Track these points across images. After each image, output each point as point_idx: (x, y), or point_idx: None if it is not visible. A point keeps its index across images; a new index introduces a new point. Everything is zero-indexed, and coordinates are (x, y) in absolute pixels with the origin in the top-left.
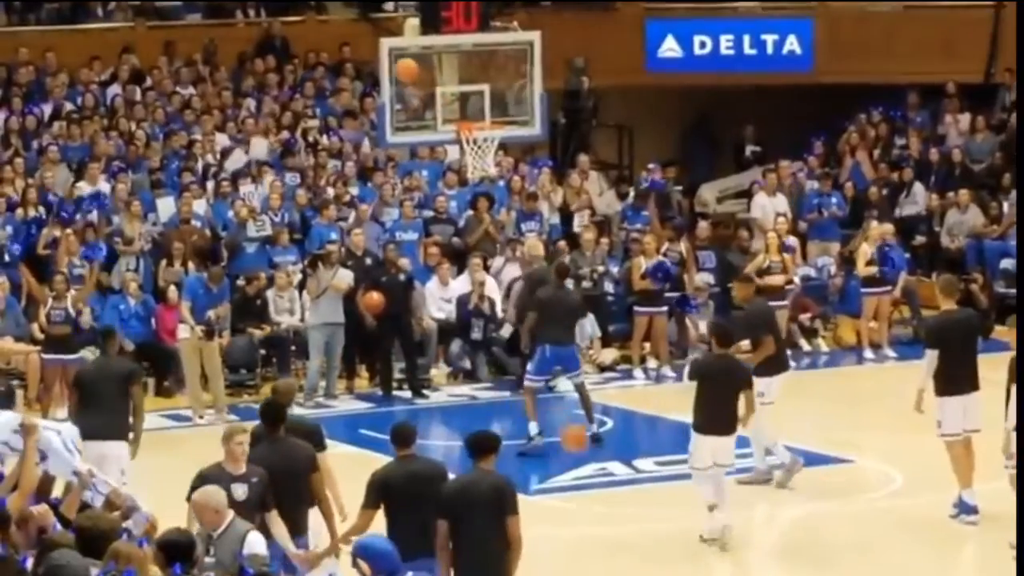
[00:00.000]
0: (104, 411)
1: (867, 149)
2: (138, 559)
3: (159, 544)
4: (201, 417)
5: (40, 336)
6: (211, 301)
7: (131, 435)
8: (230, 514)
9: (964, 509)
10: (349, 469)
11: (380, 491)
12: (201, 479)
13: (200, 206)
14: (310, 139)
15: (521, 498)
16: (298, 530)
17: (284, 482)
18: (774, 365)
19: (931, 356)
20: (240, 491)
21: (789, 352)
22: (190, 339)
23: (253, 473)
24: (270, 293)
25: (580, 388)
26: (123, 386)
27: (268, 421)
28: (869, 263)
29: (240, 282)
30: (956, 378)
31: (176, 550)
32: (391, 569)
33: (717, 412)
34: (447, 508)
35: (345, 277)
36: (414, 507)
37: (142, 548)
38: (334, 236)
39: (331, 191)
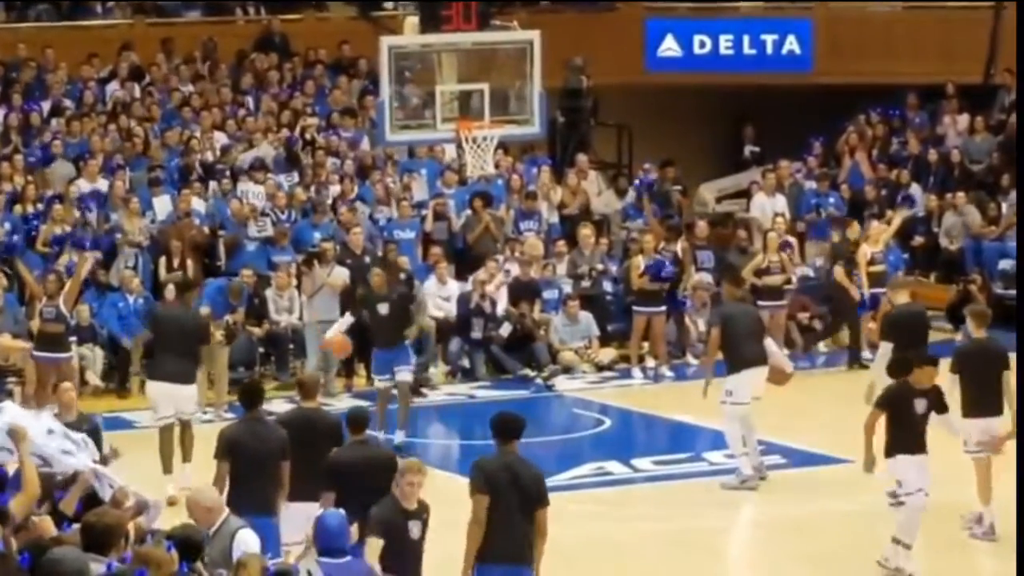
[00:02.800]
0: (176, 357)
1: (866, 150)
2: (167, 564)
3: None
4: (204, 413)
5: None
6: (228, 308)
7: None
8: (224, 512)
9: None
10: None
11: (334, 473)
12: (380, 519)
13: (199, 203)
14: (307, 137)
15: None
16: (264, 510)
17: (252, 462)
18: (738, 361)
19: (885, 348)
20: (416, 529)
21: (787, 352)
22: None
23: (424, 509)
24: (269, 292)
25: (402, 387)
26: (194, 339)
27: (244, 401)
28: (870, 263)
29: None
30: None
31: (186, 547)
32: (333, 547)
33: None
34: (491, 484)
35: (341, 275)
36: (364, 490)
37: (171, 553)
38: (317, 235)
39: (337, 188)
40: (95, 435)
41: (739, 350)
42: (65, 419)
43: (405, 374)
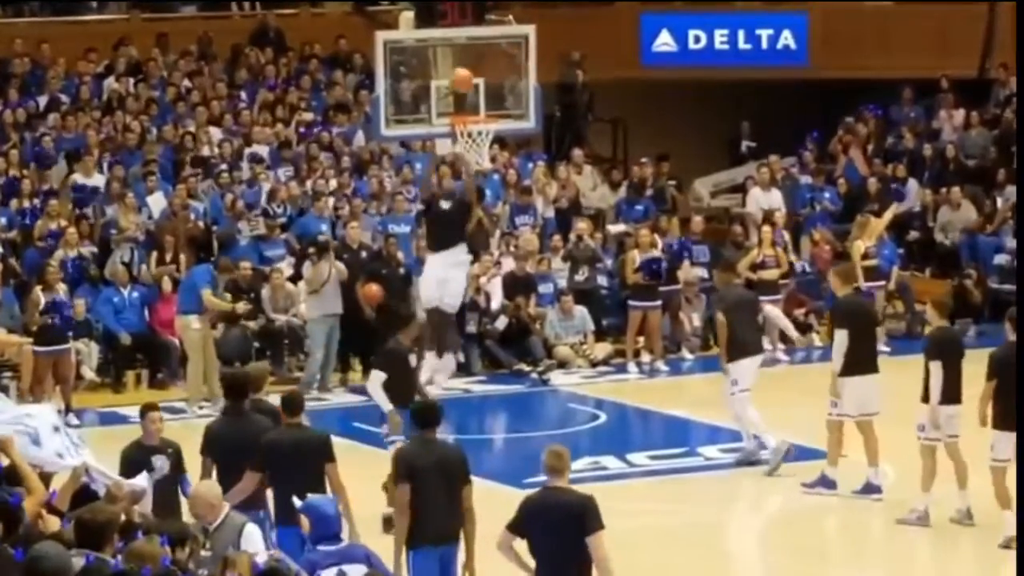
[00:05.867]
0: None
1: (860, 147)
2: (162, 556)
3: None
4: (201, 408)
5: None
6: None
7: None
8: (225, 507)
9: (824, 483)
10: (343, 462)
11: (265, 455)
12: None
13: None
14: (301, 131)
15: (513, 490)
16: (251, 503)
17: (235, 455)
18: (738, 350)
19: (842, 336)
20: None
21: (783, 347)
22: (200, 330)
23: None
24: (265, 292)
25: None
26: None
27: (231, 395)
28: (865, 257)
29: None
30: (860, 359)
31: (176, 540)
32: (328, 533)
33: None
34: (412, 471)
35: (342, 270)
36: (293, 474)
37: (164, 548)
38: (324, 227)
39: (334, 183)
40: (177, 458)
41: (738, 338)
42: (148, 443)
43: None
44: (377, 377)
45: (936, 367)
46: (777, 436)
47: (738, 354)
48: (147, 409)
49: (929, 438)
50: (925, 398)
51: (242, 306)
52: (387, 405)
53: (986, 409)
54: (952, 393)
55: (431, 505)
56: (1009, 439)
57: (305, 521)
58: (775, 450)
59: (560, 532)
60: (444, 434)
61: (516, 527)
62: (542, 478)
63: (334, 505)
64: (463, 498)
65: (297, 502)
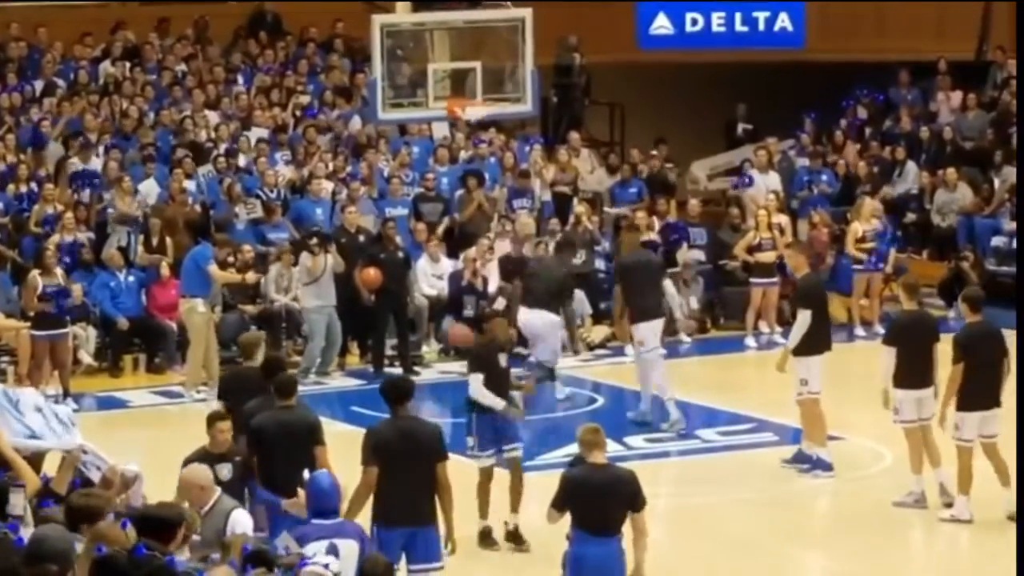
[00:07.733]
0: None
1: (853, 145)
2: (120, 544)
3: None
4: (198, 392)
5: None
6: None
7: None
8: (216, 491)
9: (821, 466)
10: (341, 446)
11: (255, 438)
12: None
13: (191, 182)
14: (298, 115)
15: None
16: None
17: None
18: (639, 312)
19: (805, 317)
20: None
21: (780, 330)
22: (204, 314)
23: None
24: (272, 270)
25: (515, 464)
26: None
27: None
28: (860, 240)
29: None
30: (819, 338)
31: (148, 526)
32: (324, 508)
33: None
34: (382, 452)
35: (340, 261)
36: (280, 456)
37: (125, 531)
38: (319, 211)
39: (331, 166)
40: (245, 465)
41: (638, 301)
42: (215, 451)
43: (518, 450)
44: (476, 379)
45: (889, 353)
46: (679, 411)
47: (639, 317)
48: (216, 419)
49: (903, 420)
50: (896, 383)
51: (252, 275)
52: (499, 402)
53: (952, 392)
54: (921, 377)
55: (400, 486)
56: (973, 420)
57: (302, 495)
58: (672, 422)
59: (613, 505)
60: (442, 417)
61: (561, 503)
62: (538, 460)
63: (332, 480)
64: (438, 475)
65: (306, 474)
